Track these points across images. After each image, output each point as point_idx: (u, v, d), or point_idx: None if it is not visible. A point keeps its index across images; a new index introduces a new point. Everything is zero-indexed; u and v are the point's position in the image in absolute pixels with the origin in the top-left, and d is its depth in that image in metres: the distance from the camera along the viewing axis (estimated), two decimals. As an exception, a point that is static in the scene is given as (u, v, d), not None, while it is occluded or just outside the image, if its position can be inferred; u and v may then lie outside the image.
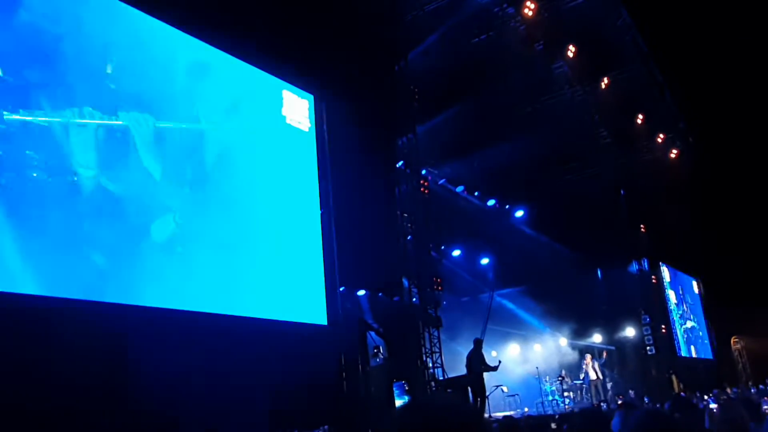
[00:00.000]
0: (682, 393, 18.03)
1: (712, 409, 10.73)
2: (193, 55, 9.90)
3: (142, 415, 7.34)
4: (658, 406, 10.58)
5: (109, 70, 8.36)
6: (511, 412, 15.06)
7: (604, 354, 19.24)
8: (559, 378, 18.29)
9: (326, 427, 8.01)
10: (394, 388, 12.46)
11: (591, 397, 17.71)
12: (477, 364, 13.52)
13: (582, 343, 22.16)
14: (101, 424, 7.04)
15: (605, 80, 18.20)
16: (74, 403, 6.82)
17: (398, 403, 12.27)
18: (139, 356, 7.45)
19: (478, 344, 13.75)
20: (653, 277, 21.73)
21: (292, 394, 9.60)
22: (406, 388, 12.55)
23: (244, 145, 10.45)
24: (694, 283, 26.21)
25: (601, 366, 19.07)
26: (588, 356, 19.20)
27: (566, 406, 17.29)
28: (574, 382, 18.36)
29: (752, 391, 18.41)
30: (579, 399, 18.10)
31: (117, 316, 7.63)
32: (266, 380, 9.08)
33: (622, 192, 20.99)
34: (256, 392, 8.84)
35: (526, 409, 16.28)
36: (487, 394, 13.67)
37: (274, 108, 11.22)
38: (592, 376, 17.93)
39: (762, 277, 21.87)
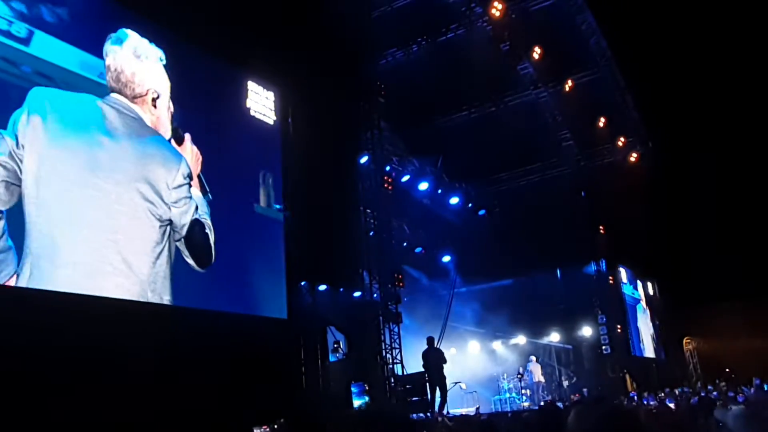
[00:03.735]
0: (633, 392, 18.44)
1: (651, 407, 11.01)
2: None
3: (94, 410, 7.18)
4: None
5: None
6: (471, 409, 15.23)
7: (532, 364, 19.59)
8: (518, 376, 18.61)
9: (281, 420, 7.95)
10: (353, 388, 12.46)
11: (535, 397, 18.20)
12: (435, 361, 13.63)
13: (540, 341, 22.50)
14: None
15: (569, 83, 18.44)
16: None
17: (357, 403, 12.27)
18: (93, 347, 7.30)
19: (431, 342, 13.86)
20: (611, 277, 22.12)
21: (249, 387, 9.52)
22: (366, 388, 12.56)
23: (205, 134, 10.27)
24: (649, 284, 26.76)
25: (544, 367, 19.94)
26: (533, 358, 19.67)
27: (523, 404, 17.56)
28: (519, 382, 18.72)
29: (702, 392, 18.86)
30: (538, 398, 18.40)
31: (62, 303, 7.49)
32: (223, 373, 8.98)
33: (582, 194, 21.30)
34: (211, 385, 8.72)
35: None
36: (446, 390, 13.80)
37: (237, 99, 11.06)
38: (535, 377, 18.42)
39: (714, 279, 22.43)
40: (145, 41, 8.14)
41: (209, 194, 8.64)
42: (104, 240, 7.42)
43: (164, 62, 8.27)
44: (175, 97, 8.47)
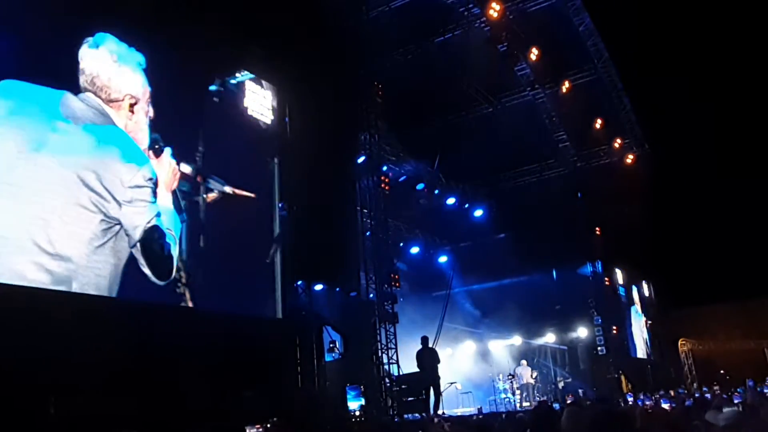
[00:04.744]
0: (629, 393, 18.49)
1: (646, 407, 11.10)
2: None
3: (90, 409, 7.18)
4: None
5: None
6: (468, 410, 15.28)
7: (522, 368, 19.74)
8: (509, 376, 18.70)
9: (275, 419, 7.97)
10: (350, 390, 12.46)
11: (528, 398, 18.32)
12: (430, 361, 13.65)
13: (535, 342, 22.55)
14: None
15: (566, 84, 18.47)
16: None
17: (352, 405, 12.28)
18: (91, 346, 7.29)
19: (425, 342, 13.88)
20: (606, 279, 22.16)
21: (245, 386, 9.53)
22: (362, 389, 12.56)
23: (201, 133, 10.23)
24: (645, 286, 26.81)
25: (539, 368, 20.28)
26: (523, 362, 19.79)
27: (519, 405, 17.62)
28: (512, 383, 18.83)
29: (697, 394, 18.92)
30: (532, 398, 18.46)
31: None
32: (219, 372, 8.97)
33: (579, 195, 21.34)
34: (207, 384, 8.72)
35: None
36: (441, 390, 13.82)
37: (235, 98, 11.06)
38: (524, 380, 18.82)
39: (709, 281, 22.51)
40: (124, 46, 8.07)
41: (184, 214, 8.59)
42: (33, 217, 7.15)
43: (144, 66, 8.24)
44: (165, 100, 8.46)
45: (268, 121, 11.63)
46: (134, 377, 7.69)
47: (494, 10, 15.24)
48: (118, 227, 7.61)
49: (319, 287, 13.71)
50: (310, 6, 12.23)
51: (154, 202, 7.84)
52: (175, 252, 8.14)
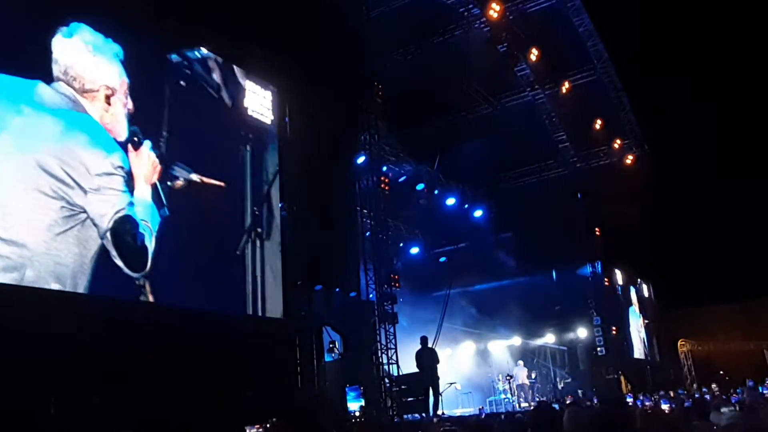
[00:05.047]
0: (628, 393, 18.48)
1: (646, 407, 11.10)
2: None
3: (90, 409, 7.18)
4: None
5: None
6: (468, 410, 15.29)
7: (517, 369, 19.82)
8: (507, 377, 18.74)
9: (274, 419, 7.96)
10: (350, 391, 12.45)
11: (522, 398, 18.36)
12: (429, 361, 13.63)
13: (535, 343, 22.56)
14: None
15: (566, 84, 18.47)
16: None
17: (353, 405, 12.27)
18: (91, 347, 7.29)
19: (424, 342, 13.87)
20: (606, 279, 22.16)
21: (245, 386, 9.53)
22: (362, 390, 12.56)
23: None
24: (644, 287, 26.82)
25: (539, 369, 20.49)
26: (520, 362, 19.84)
27: (519, 405, 17.62)
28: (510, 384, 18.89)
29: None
30: (530, 399, 18.47)
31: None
32: (220, 372, 8.97)
33: (578, 195, 21.34)
34: (207, 384, 8.72)
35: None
36: (441, 391, 13.82)
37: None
38: (519, 380, 18.98)
39: (709, 282, 22.52)
40: (100, 36, 7.92)
41: (165, 209, 8.47)
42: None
43: (121, 58, 8.14)
44: (143, 92, 8.32)
45: (269, 121, 11.63)
46: (134, 377, 7.69)
47: (494, 11, 15.24)
48: (83, 215, 7.38)
49: (318, 287, 13.70)
50: (310, 6, 12.23)
51: (127, 191, 7.67)
52: (150, 244, 7.95)
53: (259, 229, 10.84)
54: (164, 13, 9.43)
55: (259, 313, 10.58)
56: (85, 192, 7.35)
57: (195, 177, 9.50)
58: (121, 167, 7.66)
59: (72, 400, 7.06)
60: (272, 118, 11.72)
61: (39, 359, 6.67)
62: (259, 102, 11.45)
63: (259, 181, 11.21)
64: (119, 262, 7.71)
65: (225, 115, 10.79)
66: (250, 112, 11.21)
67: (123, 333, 7.60)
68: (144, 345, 7.87)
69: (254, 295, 10.59)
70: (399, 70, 16.28)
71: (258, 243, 10.82)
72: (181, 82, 9.73)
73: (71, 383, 7.09)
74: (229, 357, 9.19)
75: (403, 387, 13.78)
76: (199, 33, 10.24)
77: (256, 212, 10.85)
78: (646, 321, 25.73)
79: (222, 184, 10.07)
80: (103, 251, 7.64)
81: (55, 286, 7.24)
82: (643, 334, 25.19)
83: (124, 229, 7.62)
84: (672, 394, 17.18)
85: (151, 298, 8.43)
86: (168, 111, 9.26)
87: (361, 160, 15.08)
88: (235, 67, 11.18)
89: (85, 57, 7.80)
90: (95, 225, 7.49)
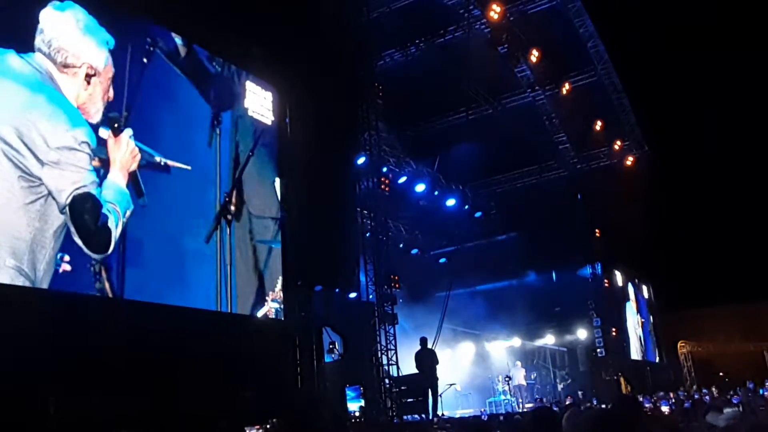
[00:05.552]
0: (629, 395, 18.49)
1: (645, 408, 11.12)
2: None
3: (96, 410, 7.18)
4: (603, 406, 10.80)
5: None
6: (470, 411, 15.29)
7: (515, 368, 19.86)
8: (506, 378, 18.75)
9: (274, 420, 7.96)
10: (350, 391, 12.45)
11: (520, 399, 18.40)
12: (429, 362, 13.63)
13: (535, 344, 22.56)
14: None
15: (566, 86, 18.48)
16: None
17: (352, 406, 12.27)
18: (93, 346, 7.29)
19: (424, 342, 13.87)
20: (606, 280, 22.17)
21: (245, 387, 9.52)
22: (362, 391, 12.56)
23: (203, 134, 10.23)
24: (644, 288, 26.82)
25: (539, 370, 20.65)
26: (518, 363, 19.86)
27: (519, 406, 17.63)
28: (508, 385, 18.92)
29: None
30: (529, 399, 18.48)
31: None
32: (219, 372, 8.97)
33: (578, 196, 21.34)
34: (206, 384, 8.72)
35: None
36: (440, 392, 13.82)
37: (236, 99, 11.03)
38: (516, 381, 19.04)
39: (708, 283, 22.54)
40: (93, 20, 7.76)
41: (145, 198, 8.25)
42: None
43: (111, 48, 8.03)
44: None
45: (269, 122, 11.63)
46: (133, 377, 7.69)
47: (495, 12, 15.24)
48: (43, 188, 7.09)
49: (318, 288, 13.69)
50: (310, 6, 12.23)
51: (93, 171, 7.41)
52: (114, 226, 7.66)
53: (229, 216, 10.34)
54: (163, 11, 9.44)
55: (228, 308, 10.01)
56: (42, 164, 7.05)
57: (158, 159, 9.04)
58: (87, 143, 7.31)
59: (68, 400, 7.05)
60: (273, 119, 11.71)
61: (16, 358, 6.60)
62: (259, 103, 11.44)
63: (228, 167, 10.62)
64: (78, 240, 7.39)
65: (190, 93, 10.20)
66: (250, 113, 11.20)
67: (120, 333, 7.60)
68: (144, 345, 7.86)
69: (225, 285, 10.01)
70: (399, 70, 16.29)
71: (227, 230, 10.27)
72: (144, 59, 9.22)
73: (70, 383, 7.09)
74: (229, 357, 9.19)
75: (402, 388, 13.77)
76: (199, 33, 10.23)
77: (227, 198, 10.35)
78: (643, 320, 25.74)
79: (188, 167, 9.50)
80: (65, 227, 7.35)
81: (10, 262, 6.91)
82: (639, 332, 25.20)
83: (83, 207, 7.30)
84: (672, 395, 17.18)
85: (107, 285, 8.06)
86: (128, 88, 8.69)
87: (361, 160, 15.07)
88: (234, 67, 11.19)
89: (74, 32, 7.58)
90: (54, 200, 7.22)
